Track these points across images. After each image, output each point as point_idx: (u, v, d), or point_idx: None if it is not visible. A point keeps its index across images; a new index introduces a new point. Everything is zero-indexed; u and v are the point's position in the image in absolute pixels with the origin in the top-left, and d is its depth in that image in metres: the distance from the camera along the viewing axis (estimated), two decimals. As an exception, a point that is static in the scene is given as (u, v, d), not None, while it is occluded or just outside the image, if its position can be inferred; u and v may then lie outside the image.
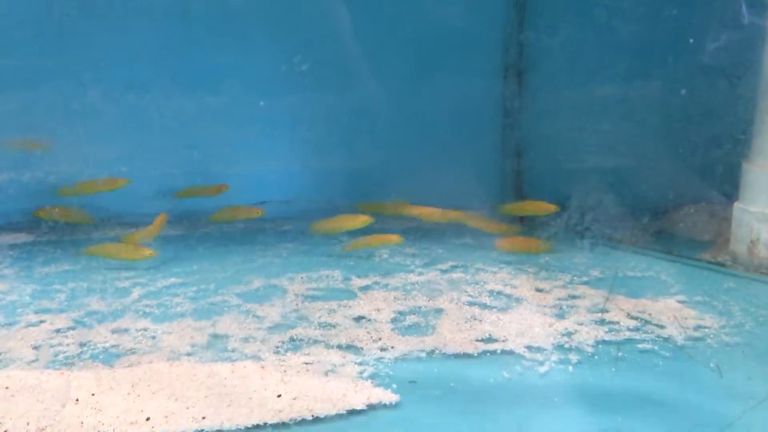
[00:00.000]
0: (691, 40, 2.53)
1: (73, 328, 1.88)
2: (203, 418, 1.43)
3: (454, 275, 2.31)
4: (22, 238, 2.65)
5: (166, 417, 1.43)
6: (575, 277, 2.28)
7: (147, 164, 2.75)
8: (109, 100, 2.68)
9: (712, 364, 1.67)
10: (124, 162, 2.70)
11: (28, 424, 1.39)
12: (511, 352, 1.75)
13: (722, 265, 2.38)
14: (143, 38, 2.67)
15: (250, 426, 1.41)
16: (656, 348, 1.77)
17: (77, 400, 1.47)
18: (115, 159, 2.71)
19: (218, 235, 2.76)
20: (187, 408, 1.46)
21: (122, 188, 2.58)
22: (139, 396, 1.50)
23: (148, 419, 1.42)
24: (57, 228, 2.64)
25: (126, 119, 2.72)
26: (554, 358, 1.72)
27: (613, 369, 1.67)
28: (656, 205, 2.65)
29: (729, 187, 2.51)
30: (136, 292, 2.15)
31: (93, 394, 1.50)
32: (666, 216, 2.62)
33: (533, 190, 2.86)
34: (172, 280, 2.26)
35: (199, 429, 1.40)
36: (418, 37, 2.76)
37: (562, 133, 2.76)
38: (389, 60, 2.77)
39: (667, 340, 1.82)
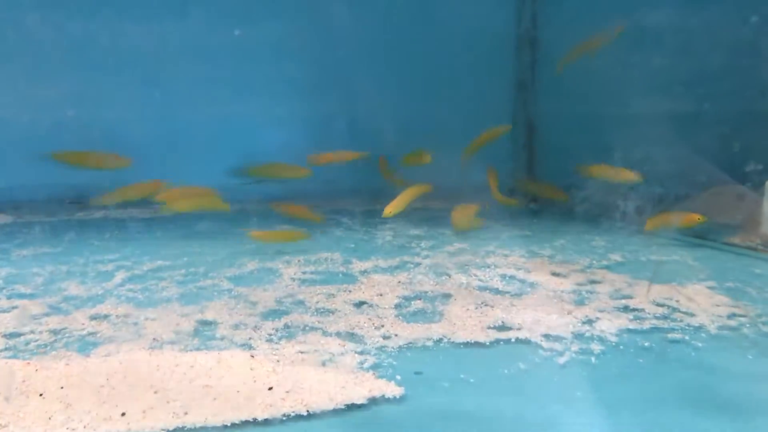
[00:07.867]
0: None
1: (48, 315, 1.75)
2: (185, 413, 1.28)
3: (463, 258, 2.16)
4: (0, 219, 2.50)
5: (144, 412, 1.29)
6: (594, 261, 2.13)
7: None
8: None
9: None
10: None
11: (-13, 419, 1.24)
12: (526, 341, 1.60)
13: (752, 248, 2.22)
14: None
15: (237, 422, 1.26)
16: (687, 338, 1.61)
17: (41, 394, 1.32)
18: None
19: (210, 214, 2.61)
20: (168, 402, 1.32)
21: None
22: (113, 389, 1.35)
23: (123, 414, 1.27)
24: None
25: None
26: (574, 348, 1.56)
27: (641, 360, 1.51)
28: (680, 186, 2.49)
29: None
30: (119, 276, 2.01)
31: (62, 387, 1.34)
32: (691, 198, 2.47)
33: (545, 167, 2.71)
34: (159, 262, 2.12)
35: (180, 425, 1.26)
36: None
37: (578, 110, 2.60)
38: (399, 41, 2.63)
39: (698, 329, 1.65)
